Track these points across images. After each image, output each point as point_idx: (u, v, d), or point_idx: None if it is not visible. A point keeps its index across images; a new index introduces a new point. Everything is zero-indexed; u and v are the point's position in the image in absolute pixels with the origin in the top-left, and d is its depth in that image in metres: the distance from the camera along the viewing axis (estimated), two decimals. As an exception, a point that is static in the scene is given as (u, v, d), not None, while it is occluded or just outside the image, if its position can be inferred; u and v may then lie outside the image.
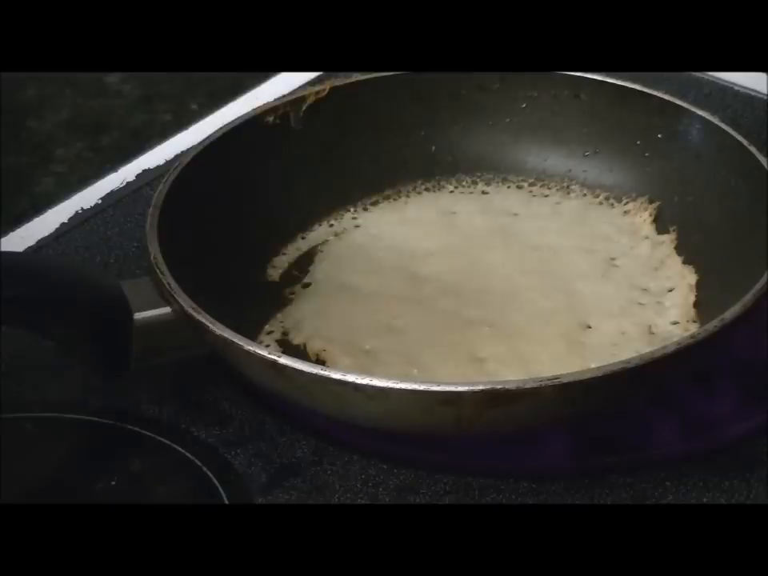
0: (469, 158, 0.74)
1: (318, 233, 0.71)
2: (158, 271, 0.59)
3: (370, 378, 0.53)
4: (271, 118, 0.69)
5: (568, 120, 0.72)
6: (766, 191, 0.62)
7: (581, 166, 0.73)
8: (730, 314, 0.56)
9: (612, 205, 0.72)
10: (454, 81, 0.72)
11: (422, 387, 0.53)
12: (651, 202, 0.70)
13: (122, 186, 0.78)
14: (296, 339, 0.64)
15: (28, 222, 0.75)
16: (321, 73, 0.78)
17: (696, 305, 0.64)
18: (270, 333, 0.64)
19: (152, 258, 0.59)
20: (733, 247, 0.64)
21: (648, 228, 0.70)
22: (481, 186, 0.73)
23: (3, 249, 0.71)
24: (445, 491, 0.58)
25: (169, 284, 0.58)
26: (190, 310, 0.57)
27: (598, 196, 0.72)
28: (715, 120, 0.68)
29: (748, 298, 0.56)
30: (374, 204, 0.72)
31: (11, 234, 0.74)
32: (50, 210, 0.76)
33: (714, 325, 0.55)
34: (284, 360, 0.54)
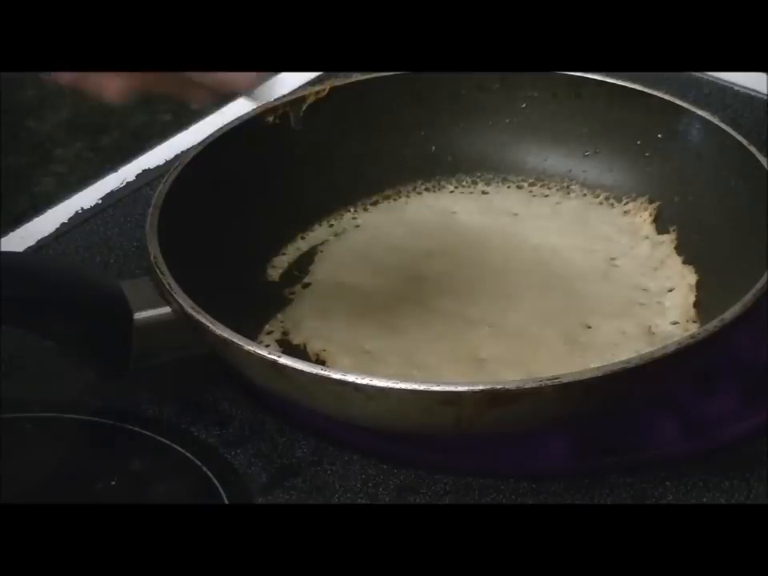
0: (469, 158, 0.74)
1: (318, 233, 0.71)
2: (157, 271, 0.59)
3: (370, 378, 0.53)
4: (271, 118, 0.69)
5: (568, 120, 0.72)
6: (766, 191, 0.62)
7: (581, 166, 0.73)
8: (729, 314, 0.56)
9: (612, 205, 0.72)
10: (454, 81, 0.72)
11: (422, 387, 0.53)
12: (651, 201, 0.70)
13: (121, 186, 0.78)
14: (296, 339, 0.64)
15: (28, 222, 0.75)
16: (321, 73, 0.78)
17: (696, 305, 0.64)
18: (269, 333, 0.64)
19: (152, 257, 0.59)
20: (733, 247, 0.64)
21: (648, 228, 0.70)
22: (481, 186, 0.73)
23: (3, 249, 0.71)
24: (445, 491, 0.58)
25: (169, 284, 0.58)
26: (190, 310, 0.57)
27: (598, 196, 0.72)
28: (715, 120, 0.68)
29: (748, 298, 0.56)
30: (374, 204, 0.72)
31: (11, 234, 0.74)
32: (49, 210, 0.76)
33: (714, 325, 0.55)
34: (284, 360, 0.54)
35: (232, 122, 0.69)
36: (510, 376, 0.58)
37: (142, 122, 0.88)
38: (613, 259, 0.68)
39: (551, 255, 0.68)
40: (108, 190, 0.77)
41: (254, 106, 0.68)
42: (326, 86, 0.71)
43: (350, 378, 0.53)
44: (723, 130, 0.67)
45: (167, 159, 0.78)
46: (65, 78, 0.53)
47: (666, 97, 0.70)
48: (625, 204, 0.71)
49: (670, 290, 0.66)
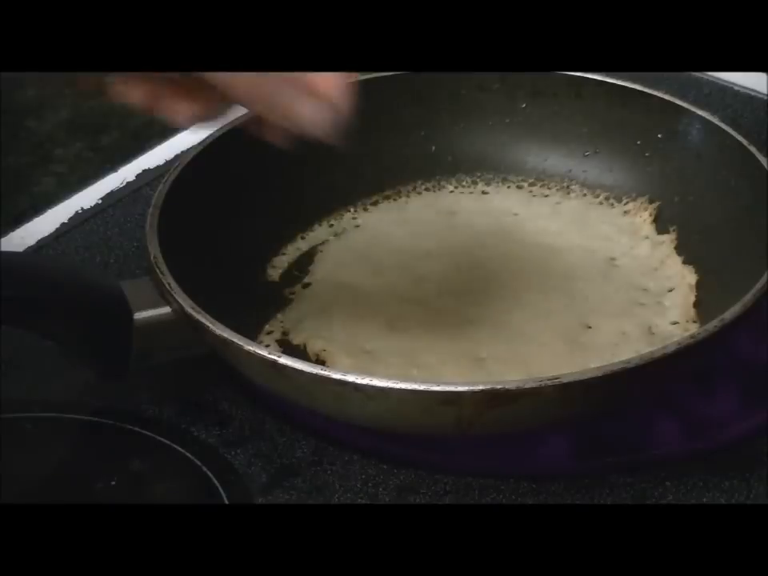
0: (469, 158, 0.74)
1: (318, 233, 0.71)
2: (157, 271, 0.59)
3: (370, 378, 0.53)
4: (271, 118, 0.69)
5: (568, 120, 0.73)
6: (766, 191, 0.62)
7: (581, 166, 0.73)
8: (729, 314, 0.56)
9: (612, 205, 0.72)
10: (454, 81, 0.72)
11: (422, 387, 0.53)
12: (651, 201, 0.70)
13: (121, 185, 0.78)
14: (296, 339, 0.64)
15: (28, 222, 0.75)
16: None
17: (696, 305, 0.65)
18: (269, 333, 0.64)
19: (152, 257, 0.59)
20: (733, 247, 0.64)
21: (648, 228, 0.70)
22: (481, 186, 0.73)
23: (3, 249, 0.71)
24: (445, 491, 0.58)
25: (169, 284, 0.58)
26: (190, 310, 0.57)
27: (598, 196, 0.72)
28: (715, 120, 0.68)
29: (748, 298, 0.56)
30: (374, 204, 0.72)
31: (11, 234, 0.74)
32: (50, 210, 0.76)
33: (713, 325, 0.55)
34: (284, 360, 0.54)
35: (232, 121, 0.68)
36: (510, 376, 0.58)
37: (142, 122, 0.88)
38: (613, 259, 0.68)
39: (551, 255, 0.68)
40: (108, 190, 0.77)
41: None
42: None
43: (350, 378, 0.53)
44: (723, 130, 0.67)
45: (167, 159, 0.78)
46: (134, 96, 0.53)
47: (666, 97, 0.70)
48: (625, 204, 0.71)
49: (670, 290, 0.66)
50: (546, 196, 0.73)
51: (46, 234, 0.74)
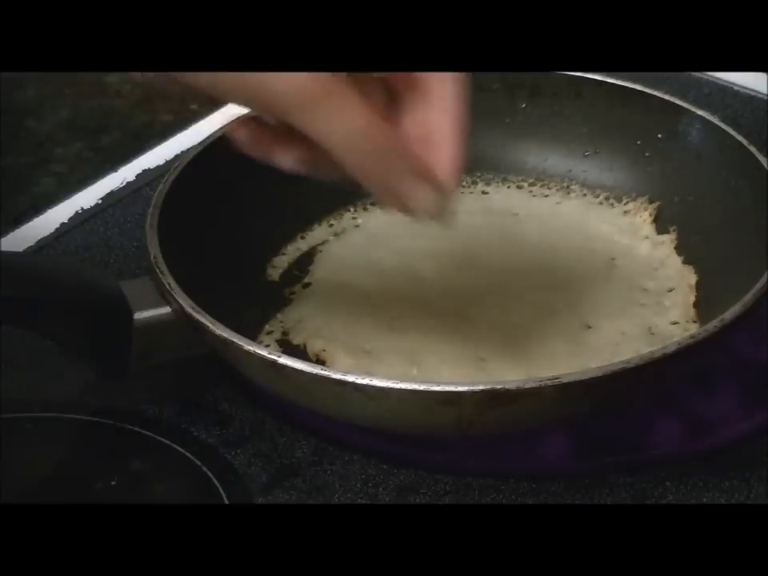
0: (469, 158, 0.74)
1: (318, 233, 0.71)
2: (158, 271, 0.59)
3: (370, 378, 0.53)
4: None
5: (568, 120, 0.72)
6: (766, 191, 0.62)
7: (581, 166, 0.73)
8: (729, 314, 0.56)
9: (612, 205, 0.72)
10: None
11: (422, 387, 0.53)
12: (651, 201, 0.70)
13: (122, 185, 0.78)
14: (296, 339, 0.64)
15: (28, 222, 0.75)
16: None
17: (696, 305, 0.65)
18: (269, 333, 0.64)
19: (152, 257, 0.59)
20: (733, 247, 0.64)
21: (648, 228, 0.70)
22: (481, 186, 0.73)
23: (3, 249, 0.71)
24: (445, 491, 0.58)
25: (169, 284, 0.58)
26: (190, 310, 0.57)
27: (598, 196, 0.72)
28: (715, 120, 0.68)
29: (748, 298, 0.56)
30: (374, 204, 0.72)
31: (11, 234, 0.74)
32: (50, 210, 0.76)
33: (713, 325, 0.55)
34: (284, 360, 0.54)
35: (232, 121, 0.68)
36: (510, 376, 0.58)
37: (142, 122, 0.88)
38: (613, 259, 0.68)
39: (551, 255, 0.68)
40: (108, 190, 0.77)
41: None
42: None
43: (350, 378, 0.53)
44: (723, 130, 0.67)
45: (167, 159, 0.78)
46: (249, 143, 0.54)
47: (666, 97, 0.70)
48: (625, 204, 0.71)
49: (670, 290, 0.66)
50: (546, 196, 0.73)
51: (46, 234, 0.74)
